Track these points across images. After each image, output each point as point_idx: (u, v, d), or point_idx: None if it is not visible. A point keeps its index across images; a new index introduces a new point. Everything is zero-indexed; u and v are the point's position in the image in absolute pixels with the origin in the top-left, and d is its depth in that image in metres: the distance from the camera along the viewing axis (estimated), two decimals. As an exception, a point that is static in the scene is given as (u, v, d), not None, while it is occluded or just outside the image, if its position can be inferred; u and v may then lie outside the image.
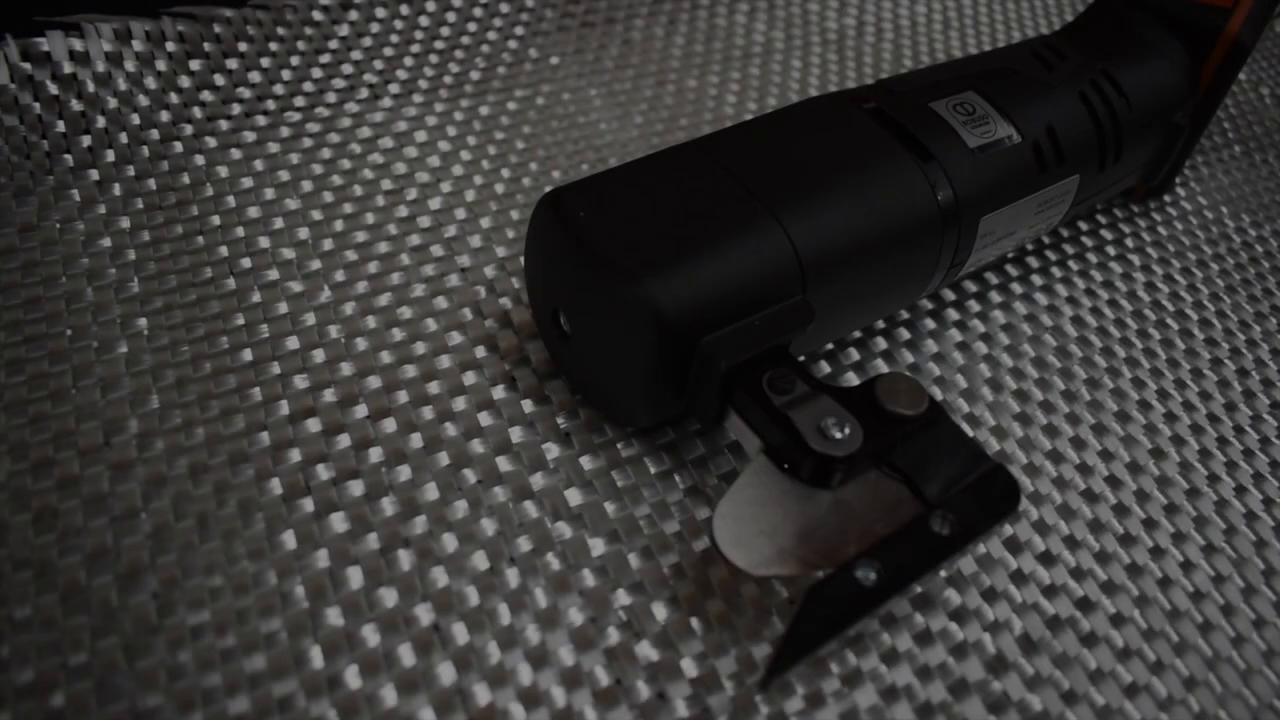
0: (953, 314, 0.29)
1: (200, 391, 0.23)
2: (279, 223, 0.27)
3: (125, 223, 0.26)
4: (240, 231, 0.27)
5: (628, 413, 0.23)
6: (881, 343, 0.28)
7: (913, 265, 0.25)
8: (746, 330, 0.22)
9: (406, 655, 0.19)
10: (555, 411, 0.24)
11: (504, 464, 0.23)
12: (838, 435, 0.21)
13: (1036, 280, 0.31)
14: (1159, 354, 0.29)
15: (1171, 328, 0.30)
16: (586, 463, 0.23)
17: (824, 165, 0.24)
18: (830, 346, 0.27)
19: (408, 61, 0.34)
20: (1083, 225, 0.34)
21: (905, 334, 0.28)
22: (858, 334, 0.28)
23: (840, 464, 0.20)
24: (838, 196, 0.24)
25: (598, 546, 0.22)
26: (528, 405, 0.24)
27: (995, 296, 0.30)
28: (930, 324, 0.29)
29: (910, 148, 0.25)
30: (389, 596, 0.20)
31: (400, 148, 0.31)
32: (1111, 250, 0.33)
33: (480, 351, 0.25)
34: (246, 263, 0.26)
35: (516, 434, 0.24)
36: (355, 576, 0.20)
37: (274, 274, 0.26)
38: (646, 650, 0.20)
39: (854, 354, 0.27)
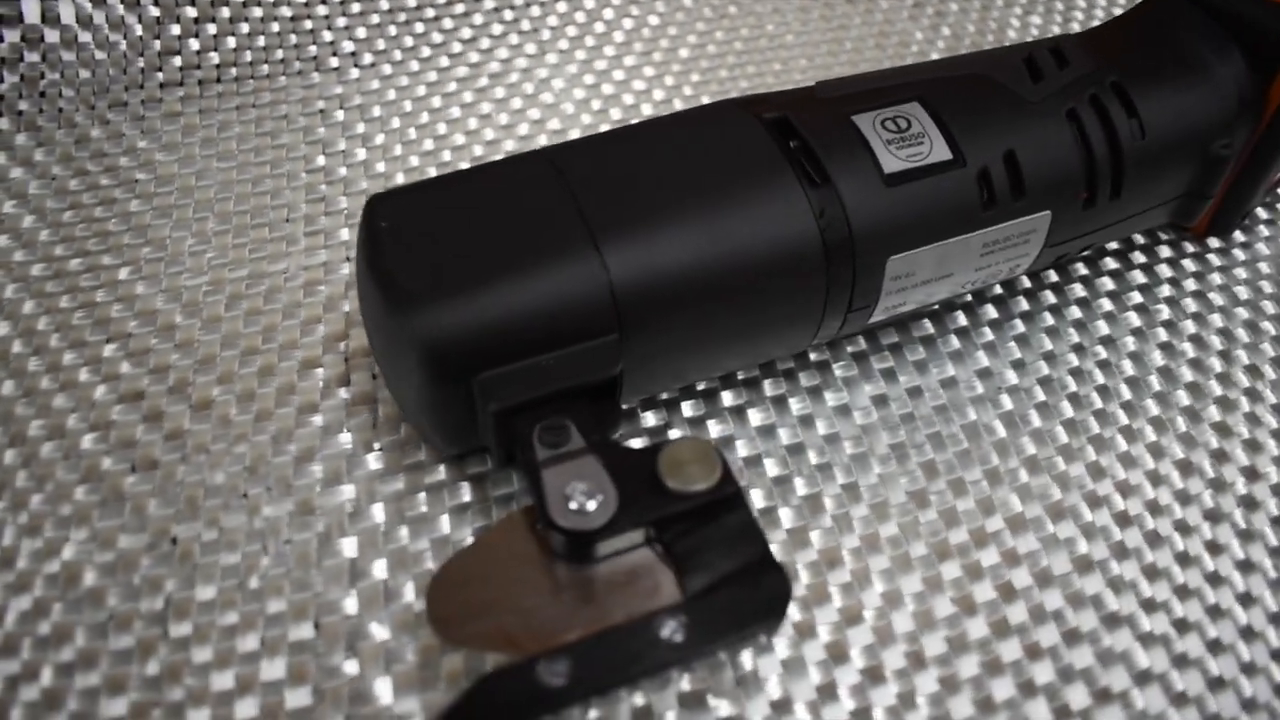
0: (877, 363, 0.25)
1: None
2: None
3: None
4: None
5: (428, 437, 0.22)
6: (770, 387, 0.24)
7: (788, 308, 0.22)
8: (532, 370, 0.20)
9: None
10: (378, 423, 0.23)
11: (301, 473, 0.22)
12: (588, 505, 0.18)
13: (1016, 326, 0.26)
14: (1115, 445, 0.24)
15: (1146, 410, 0.25)
16: (386, 484, 0.22)
17: (680, 186, 0.21)
18: (704, 386, 0.24)
19: None
20: (1108, 262, 0.28)
21: (810, 379, 0.25)
22: (745, 374, 0.25)
23: (578, 538, 0.18)
24: (684, 224, 0.20)
25: (360, 576, 0.21)
26: (353, 412, 0.23)
27: (950, 343, 0.26)
28: (843, 371, 0.25)
29: (804, 169, 0.22)
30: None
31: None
32: (1135, 296, 0.27)
33: (326, 352, 0.24)
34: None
35: (330, 443, 0.23)
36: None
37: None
38: (376, 691, 0.19)
39: (727, 399, 0.24)
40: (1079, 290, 0.27)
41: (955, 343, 0.26)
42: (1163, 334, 0.27)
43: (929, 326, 0.26)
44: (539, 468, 0.19)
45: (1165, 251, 0.29)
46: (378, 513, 0.21)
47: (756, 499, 0.22)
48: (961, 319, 0.26)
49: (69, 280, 0.25)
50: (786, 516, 0.22)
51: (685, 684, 0.19)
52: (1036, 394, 0.25)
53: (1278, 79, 0.25)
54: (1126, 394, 0.25)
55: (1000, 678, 0.20)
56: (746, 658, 0.20)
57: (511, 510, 0.21)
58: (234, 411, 0.23)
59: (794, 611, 0.21)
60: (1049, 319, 0.27)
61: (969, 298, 0.27)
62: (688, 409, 0.24)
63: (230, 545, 0.21)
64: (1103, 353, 0.26)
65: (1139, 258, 0.29)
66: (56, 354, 0.24)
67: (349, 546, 0.21)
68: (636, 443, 0.23)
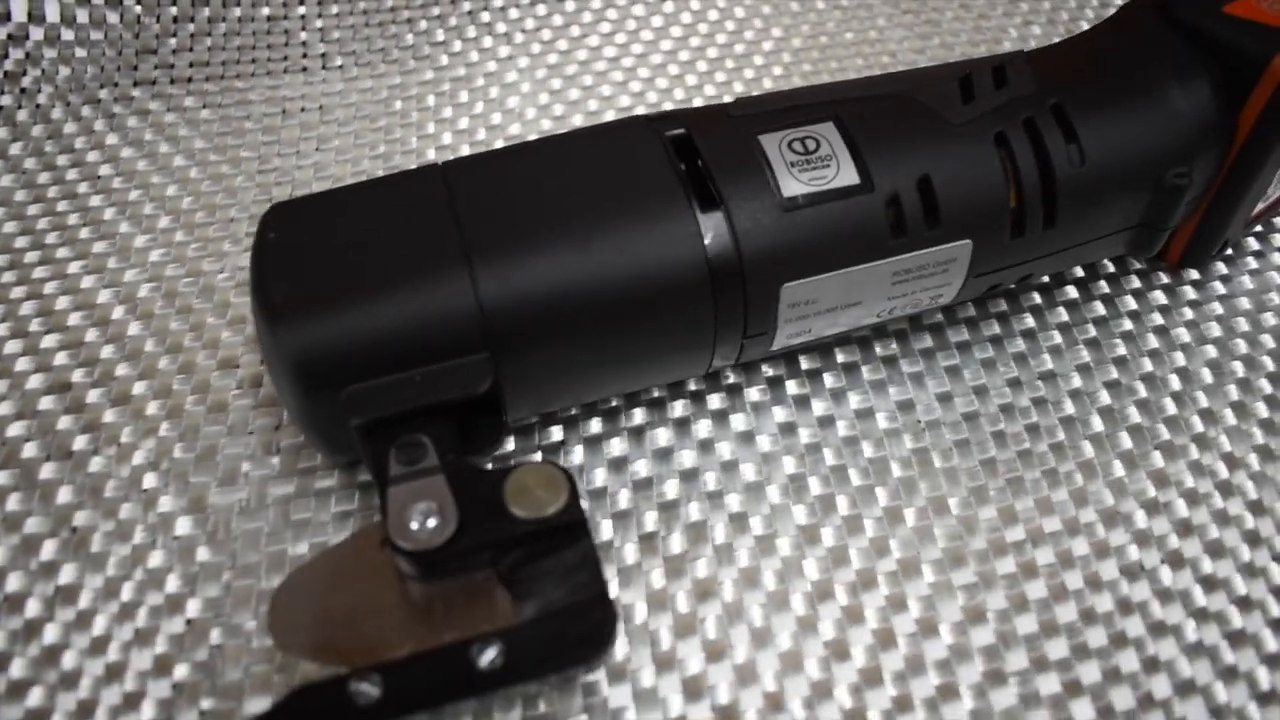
0: (793, 389, 0.24)
1: None
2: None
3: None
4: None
5: (312, 445, 0.22)
6: (678, 409, 0.24)
7: (674, 332, 0.21)
8: (398, 385, 0.20)
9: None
10: (281, 425, 0.23)
11: (201, 469, 0.23)
12: (428, 524, 0.18)
13: (951, 356, 0.25)
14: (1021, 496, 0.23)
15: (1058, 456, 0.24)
16: (277, 487, 0.22)
17: (565, 206, 0.21)
18: (614, 403, 0.24)
19: None
20: (1068, 290, 0.27)
21: (720, 402, 0.24)
22: (657, 391, 0.24)
23: (412, 557, 0.18)
24: (563, 245, 0.20)
25: (241, 574, 0.21)
26: (261, 414, 0.24)
27: (877, 371, 0.25)
28: (756, 395, 0.24)
29: (697, 190, 0.21)
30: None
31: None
32: (1090, 329, 0.26)
33: (246, 352, 0.25)
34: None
35: (233, 442, 0.23)
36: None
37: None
38: (236, 688, 0.20)
39: (636, 416, 0.24)
40: (1028, 320, 0.26)
41: (881, 371, 0.25)
42: (1113, 371, 0.25)
43: (856, 353, 0.25)
44: (386, 484, 0.19)
45: (1133, 282, 0.27)
46: (265, 515, 0.22)
47: (647, 523, 0.22)
48: (892, 346, 0.25)
49: (23, 271, 0.26)
50: (672, 543, 0.22)
51: (541, 707, 0.19)
52: (960, 429, 0.24)
53: (1249, 104, 0.24)
54: (1060, 434, 0.24)
55: (862, 726, 0.20)
56: (603, 683, 0.20)
57: (367, 523, 0.22)
58: (150, 406, 0.24)
59: (663, 638, 0.20)
60: (988, 350, 0.25)
61: (904, 324, 0.26)
62: (593, 425, 0.24)
63: (124, 537, 0.22)
64: (1041, 389, 0.25)
65: (1102, 288, 0.27)
66: None
67: (232, 547, 0.22)
68: (537, 457, 0.23)
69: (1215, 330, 0.26)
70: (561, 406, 0.23)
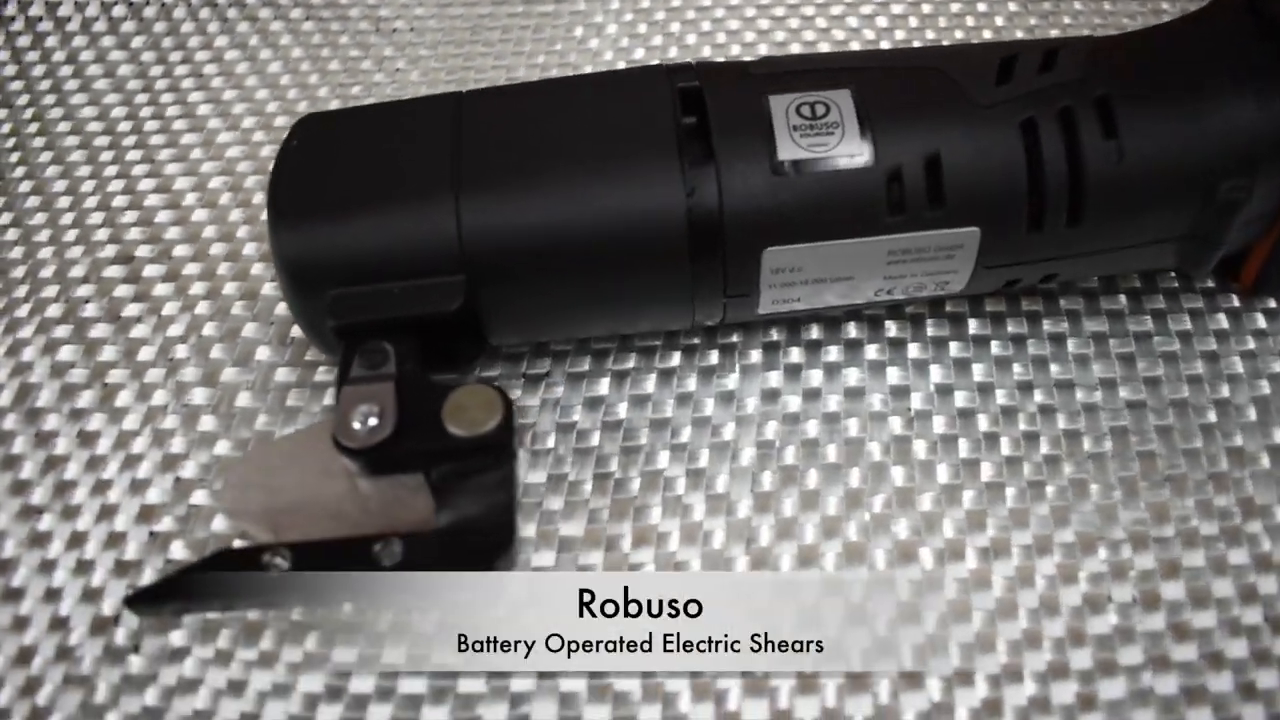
0: (792, 356, 0.24)
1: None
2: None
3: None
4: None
5: (307, 338, 0.24)
6: (665, 359, 0.24)
7: (651, 281, 0.21)
8: (379, 295, 0.21)
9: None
10: (300, 319, 0.25)
11: (222, 348, 0.25)
12: (369, 424, 0.19)
13: (963, 349, 0.24)
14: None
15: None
16: (282, 374, 0.24)
17: (560, 146, 0.21)
18: (601, 345, 0.24)
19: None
20: (1119, 300, 0.25)
21: (708, 359, 0.24)
22: (654, 339, 0.24)
23: (348, 453, 0.19)
24: (549, 184, 0.21)
25: (223, 449, 0.23)
26: (282, 306, 0.25)
27: (880, 351, 0.24)
28: (748, 358, 0.24)
29: (693, 144, 0.21)
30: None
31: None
32: (1127, 345, 0.24)
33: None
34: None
35: (252, 327, 0.25)
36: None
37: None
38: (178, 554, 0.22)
39: (628, 361, 0.24)
40: (1062, 324, 0.24)
41: (885, 353, 0.24)
42: (1141, 391, 0.23)
43: (864, 330, 0.24)
44: (347, 383, 0.20)
45: (1195, 301, 0.25)
46: (265, 398, 0.24)
47: (611, 464, 0.23)
48: (904, 329, 0.24)
49: (119, 151, 0.29)
50: (629, 487, 0.22)
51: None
52: (952, 424, 0.23)
53: None
54: (1060, 447, 0.23)
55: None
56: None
57: (328, 416, 0.23)
58: (195, 285, 0.26)
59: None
60: (1006, 348, 0.24)
61: (924, 308, 0.25)
62: (582, 363, 0.24)
63: (145, 397, 0.24)
64: (1053, 397, 0.23)
65: (1157, 302, 0.25)
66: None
67: (229, 420, 0.24)
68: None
69: (1277, 366, 0.24)
70: (545, 338, 0.24)
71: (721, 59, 0.31)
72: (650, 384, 0.24)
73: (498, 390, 0.20)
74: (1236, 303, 0.25)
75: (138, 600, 0.19)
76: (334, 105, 0.30)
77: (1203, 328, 0.25)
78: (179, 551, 0.22)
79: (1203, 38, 0.22)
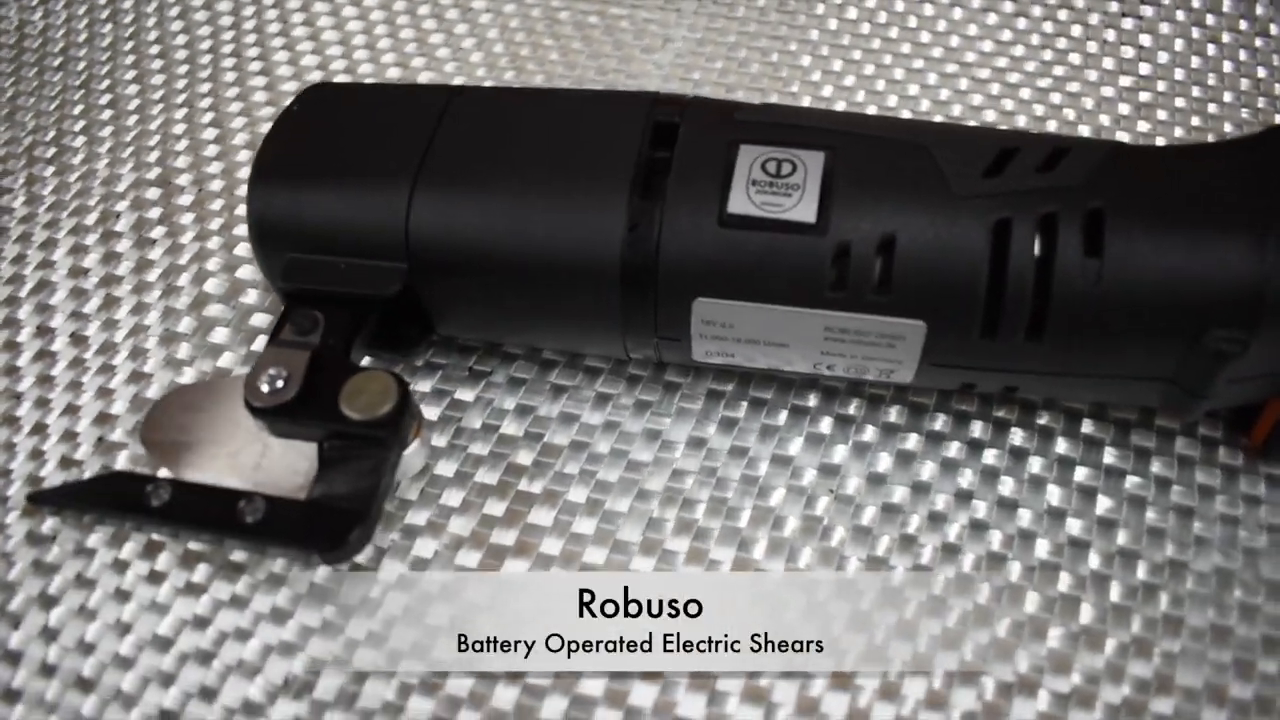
0: (728, 409, 0.23)
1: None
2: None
3: None
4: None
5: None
6: (605, 384, 0.24)
7: (582, 308, 0.21)
8: (328, 267, 0.22)
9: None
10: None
11: (211, 284, 0.26)
12: (276, 387, 0.20)
13: (901, 440, 0.23)
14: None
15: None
16: (259, 319, 0.26)
17: (522, 155, 0.21)
18: (549, 355, 0.24)
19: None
20: (1100, 430, 0.23)
21: (648, 393, 0.24)
22: (599, 361, 0.24)
23: (248, 407, 0.20)
24: (498, 191, 0.21)
25: (185, 375, 0.25)
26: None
27: (819, 425, 0.23)
28: (686, 402, 0.24)
29: (654, 179, 0.21)
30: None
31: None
32: (1091, 480, 0.22)
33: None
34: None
35: (245, 270, 0.27)
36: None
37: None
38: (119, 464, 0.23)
39: (567, 378, 0.24)
40: (1027, 439, 0.23)
41: (827, 427, 0.23)
42: (1090, 532, 0.22)
43: (813, 400, 0.24)
44: (275, 345, 0.21)
45: (1190, 448, 0.23)
46: (237, 338, 0.25)
47: (516, 470, 0.23)
48: (857, 408, 0.23)
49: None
50: (520, 495, 0.22)
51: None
52: (866, 516, 0.22)
53: None
54: (966, 564, 0.21)
55: None
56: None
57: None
58: (214, 220, 0.28)
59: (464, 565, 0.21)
60: (957, 451, 0.23)
61: (885, 390, 0.24)
62: (522, 370, 0.24)
63: (139, 312, 0.26)
64: (990, 513, 0.22)
65: (1143, 440, 0.23)
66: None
67: (201, 351, 0.25)
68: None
69: (1259, 541, 0.21)
70: (485, 339, 0.24)
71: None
72: (585, 405, 0.24)
73: (396, 380, 0.20)
74: (1240, 460, 0.23)
75: (38, 499, 0.21)
76: (392, 73, 0.31)
77: (1188, 478, 0.22)
78: (121, 461, 0.23)
79: (1237, 168, 0.20)
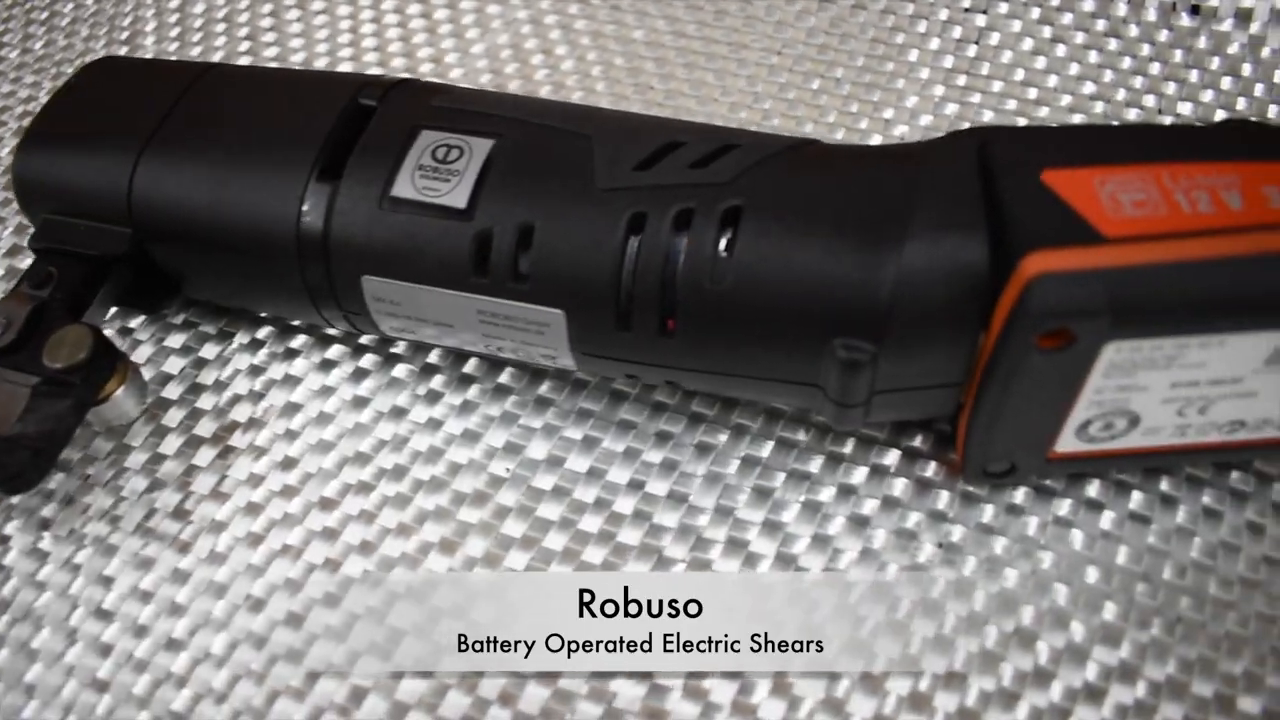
0: (440, 383, 0.24)
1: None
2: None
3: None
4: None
5: None
6: (344, 356, 0.25)
7: (273, 281, 0.23)
8: (70, 228, 0.24)
9: None
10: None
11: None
12: None
13: (597, 429, 0.23)
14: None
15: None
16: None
17: (235, 130, 0.23)
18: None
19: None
20: (799, 434, 0.23)
21: (369, 364, 0.25)
22: (335, 330, 0.25)
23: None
24: (202, 164, 0.22)
25: None
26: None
27: (494, 399, 0.24)
28: (402, 372, 0.25)
29: (334, 159, 0.22)
30: None
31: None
32: (770, 476, 0.22)
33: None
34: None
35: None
36: None
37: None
38: None
39: (302, 344, 0.25)
40: (712, 435, 0.23)
41: (524, 405, 0.24)
42: (739, 515, 0.22)
43: (521, 380, 0.24)
44: (7, 294, 0.23)
45: (885, 457, 0.22)
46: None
47: (228, 427, 0.24)
48: (550, 390, 0.24)
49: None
50: (224, 453, 0.24)
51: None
52: (536, 496, 0.22)
53: (999, 304, 0.18)
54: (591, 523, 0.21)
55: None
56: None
57: None
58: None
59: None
60: (628, 439, 0.23)
61: (603, 382, 0.24)
62: (261, 333, 0.26)
63: None
64: (629, 493, 0.22)
65: (839, 448, 0.23)
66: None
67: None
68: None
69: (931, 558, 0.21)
70: (215, 302, 0.25)
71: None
72: (303, 368, 0.25)
73: (93, 333, 0.22)
74: (931, 474, 0.22)
75: None
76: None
77: (832, 476, 0.22)
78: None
79: (900, 173, 0.20)
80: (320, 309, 0.23)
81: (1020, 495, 0.22)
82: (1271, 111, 0.27)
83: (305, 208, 0.21)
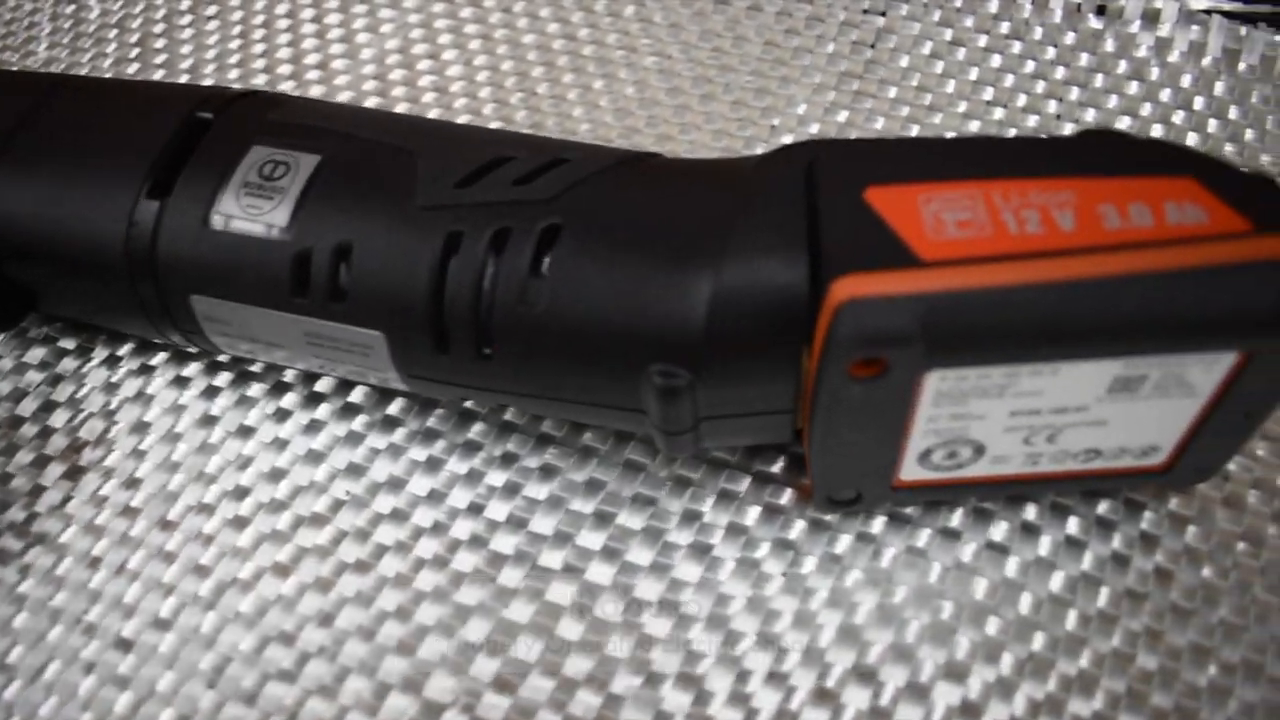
0: (292, 402, 0.24)
1: None
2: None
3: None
4: None
5: None
6: (195, 375, 0.24)
7: (104, 298, 0.22)
8: None
9: None
10: None
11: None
12: None
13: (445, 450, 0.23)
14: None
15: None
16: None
17: (76, 143, 0.22)
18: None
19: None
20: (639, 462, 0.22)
21: (224, 383, 0.24)
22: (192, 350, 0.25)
23: None
24: (39, 174, 0.22)
25: None
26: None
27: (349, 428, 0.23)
28: (256, 390, 0.24)
29: (166, 175, 0.21)
30: None
31: None
32: (617, 504, 0.21)
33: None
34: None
35: None
36: None
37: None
38: None
39: (161, 363, 0.25)
40: (567, 460, 0.22)
41: (358, 427, 0.23)
42: (581, 532, 0.21)
43: (357, 397, 0.23)
44: None
45: (739, 481, 0.22)
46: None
47: (80, 438, 0.24)
48: (394, 408, 0.23)
49: None
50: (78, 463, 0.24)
51: None
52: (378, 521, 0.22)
53: (817, 331, 0.17)
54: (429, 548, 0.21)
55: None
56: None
57: None
58: None
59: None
60: (461, 457, 0.22)
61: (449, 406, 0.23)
62: (123, 350, 0.25)
63: None
64: (480, 526, 0.21)
65: (691, 473, 0.22)
66: None
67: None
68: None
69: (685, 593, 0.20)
70: (76, 319, 0.25)
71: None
72: (157, 386, 0.24)
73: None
74: (785, 500, 0.21)
75: None
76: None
77: (678, 502, 0.21)
78: None
79: (727, 190, 0.19)
80: (158, 328, 0.22)
81: (878, 524, 0.21)
82: (1177, 117, 0.26)
83: (133, 226, 0.21)
